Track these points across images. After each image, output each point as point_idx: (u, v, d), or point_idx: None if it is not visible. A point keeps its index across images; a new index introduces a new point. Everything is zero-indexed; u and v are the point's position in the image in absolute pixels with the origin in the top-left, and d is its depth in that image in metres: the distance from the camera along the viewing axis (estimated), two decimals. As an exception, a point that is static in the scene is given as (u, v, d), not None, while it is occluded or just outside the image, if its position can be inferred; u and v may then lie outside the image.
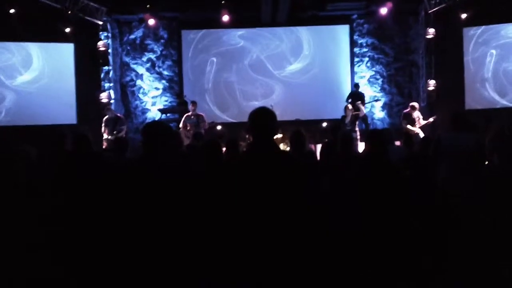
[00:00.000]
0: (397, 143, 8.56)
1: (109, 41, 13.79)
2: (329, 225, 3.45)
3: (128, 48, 14.55)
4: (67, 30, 12.29)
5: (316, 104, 13.87)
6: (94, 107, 12.87)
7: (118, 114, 11.77)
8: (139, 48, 14.51)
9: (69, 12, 11.99)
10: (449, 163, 4.98)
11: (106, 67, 13.63)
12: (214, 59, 14.43)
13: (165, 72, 14.58)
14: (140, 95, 14.57)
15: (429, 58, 13.30)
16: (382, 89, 14.49)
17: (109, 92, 13.61)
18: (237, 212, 2.75)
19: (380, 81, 14.51)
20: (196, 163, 4.59)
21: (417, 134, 10.59)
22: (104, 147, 10.61)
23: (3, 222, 3.03)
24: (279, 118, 3.00)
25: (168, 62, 14.59)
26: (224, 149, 5.72)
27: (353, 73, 14.42)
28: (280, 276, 2.68)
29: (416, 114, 11.05)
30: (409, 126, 10.84)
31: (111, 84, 13.83)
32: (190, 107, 11.70)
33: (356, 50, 14.54)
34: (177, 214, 3.05)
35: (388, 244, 3.49)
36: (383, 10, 13.20)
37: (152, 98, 14.55)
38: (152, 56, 14.53)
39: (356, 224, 3.61)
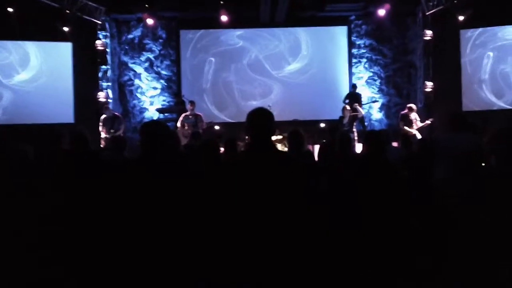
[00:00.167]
0: (395, 144, 8.58)
1: (108, 40, 13.77)
2: (327, 225, 3.46)
3: (127, 47, 14.54)
4: (66, 29, 12.27)
5: (314, 105, 13.89)
6: (92, 106, 12.86)
7: (116, 113, 11.76)
8: (138, 48, 14.50)
9: (68, 11, 11.96)
10: (447, 164, 4.98)
11: (104, 67, 13.61)
12: (213, 59, 14.44)
13: (164, 72, 14.58)
14: (138, 95, 14.56)
15: (427, 60, 13.32)
16: (380, 90, 14.52)
17: (107, 92, 13.59)
18: (235, 212, 2.76)
19: (378, 82, 14.53)
20: (194, 163, 4.60)
21: (414, 135, 10.61)
22: (102, 146, 10.62)
23: (1, 222, 3.03)
24: (277, 118, 3.01)
25: (167, 62, 14.59)
26: (222, 149, 5.74)
27: (351, 74, 14.45)
28: (279, 276, 2.69)
29: (414, 116, 11.07)
30: (406, 128, 10.86)
31: (109, 84, 13.81)
32: (188, 106, 11.71)
33: (354, 51, 14.57)
34: (174, 214, 3.05)
35: (386, 244, 3.50)
36: (381, 12, 13.23)
37: (150, 98, 14.55)
38: (151, 55, 14.52)
39: (354, 224, 3.62)
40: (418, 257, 3.42)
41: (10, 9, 11.64)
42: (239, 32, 14.36)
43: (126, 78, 14.55)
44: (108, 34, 13.82)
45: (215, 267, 2.80)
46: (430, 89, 13.02)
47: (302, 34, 14.50)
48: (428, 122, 11.06)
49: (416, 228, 3.54)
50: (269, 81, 14.42)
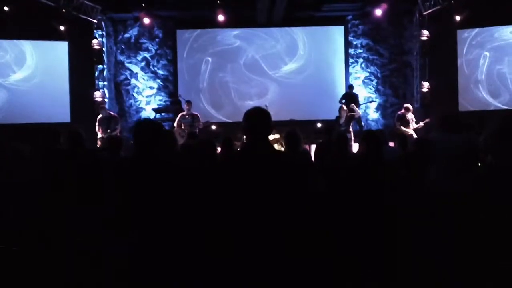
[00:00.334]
0: (391, 144, 8.58)
1: (104, 39, 13.76)
2: (324, 225, 3.45)
3: (123, 46, 14.52)
4: (62, 28, 12.26)
5: (311, 105, 13.89)
6: (88, 105, 12.84)
7: (112, 113, 11.73)
8: (134, 47, 14.48)
9: (64, 10, 11.93)
10: (440, 165, 4.99)
11: (100, 66, 13.60)
12: (209, 59, 14.43)
13: (160, 71, 14.56)
14: (135, 94, 14.54)
15: (423, 60, 13.35)
16: (377, 90, 14.54)
17: (103, 91, 13.58)
18: (231, 211, 2.75)
19: (374, 82, 14.55)
20: (191, 162, 4.59)
21: (411, 135, 10.62)
22: (98, 146, 10.59)
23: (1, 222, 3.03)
24: (273, 118, 3.00)
25: (163, 61, 14.57)
26: (219, 148, 5.72)
27: (347, 74, 14.46)
28: (274, 276, 2.68)
29: (410, 116, 11.09)
30: (402, 128, 10.87)
31: (105, 83, 13.80)
32: (185, 106, 11.70)
33: (351, 51, 14.58)
34: (171, 213, 3.04)
35: (384, 244, 3.50)
36: (378, 12, 13.26)
37: (147, 97, 14.53)
38: (147, 55, 14.50)
39: (352, 224, 3.61)
40: (416, 257, 3.42)
41: (6, 8, 11.61)
42: (236, 32, 14.35)
43: (122, 77, 14.53)
44: (104, 33, 13.80)
45: (211, 267, 2.79)
46: (426, 89, 13.05)
47: (299, 34, 14.50)
48: (421, 124, 11.05)
49: (412, 228, 3.54)
50: (266, 81, 14.42)
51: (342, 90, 13.92)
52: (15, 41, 12.73)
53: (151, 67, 14.52)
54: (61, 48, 12.99)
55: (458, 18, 12.27)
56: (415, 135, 10.68)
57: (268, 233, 2.70)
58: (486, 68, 13.09)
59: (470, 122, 7.92)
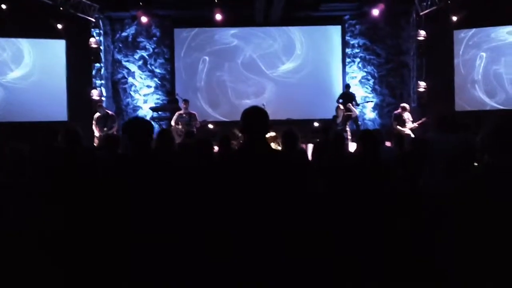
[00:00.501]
0: (388, 143, 8.59)
1: (101, 38, 13.74)
2: (321, 225, 3.46)
3: (120, 45, 14.50)
4: (59, 26, 12.25)
5: (308, 104, 13.91)
6: (86, 104, 12.82)
7: (109, 112, 11.71)
8: (131, 46, 14.47)
9: (61, 8, 11.91)
10: (437, 165, 5.01)
11: (97, 64, 13.58)
12: (207, 58, 14.43)
13: (157, 70, 14.55)
14: (132, 93, 14.53)
15: (420, 60, 13.38)
16: (374, 90, 14.56)
17: (101, 90, 13.57)
18: (229, 210, 2.76)
19: (371, 82, 14.57)
20: (188, 161, 4.60)
21: (408, 134, 10.64)
22: (95, 144, 10.58)
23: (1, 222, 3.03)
24: (271, 117, 3.02)
25: (160, 60, 14.57)
26: (216, 147, 5.74)
27: (344, 73, 14.49)
28: (272, 275, 2.70)
29: (407, 115, 11.10)
30: (399, 127, 10.89)
31: (103, 82, 13.78)
32: (182, 105, 11.70)
33: (348, 50, 14.60)
34: (169, 211, 3.05)
35: (382, 243, 3.52)
36: (375, 11, 13.28)
37: (144, 96, 14.52)
38: (144, 53, 14.49)
39: (349, 224, 3.63)
40: (413, 257, 3.43)
41: (3, 6, 11.59)
42: (233, 31, 14.36)
43: (119, 76, 14.52)
44: (102, 31, 13.78)
45: (209, 266, 2.80)
46: (423, 89, 13.08)
47: (296, 33, 14.52)
48: (415, 125, 11.06)
49: (409, 228, 3.56)
50: (263, 80, 14.43)
51: (339, 90, 13.95)
52: (12, 39, 12.71)
53: (148, 65, 14.51)
54: (58, 47, 12.98)
55: (454, 18, 12.30)
56: (412, 135, 10.70)
57: (265, 232, 2.71)
58: (482, 68, 13.13)
59: (467, 122, 7.94)
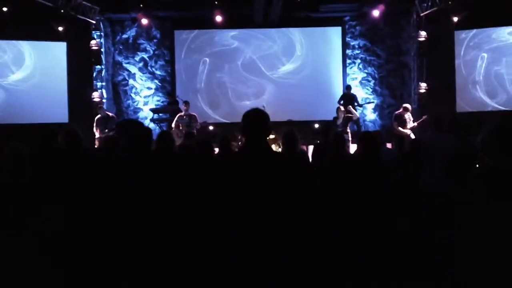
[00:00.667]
0: (388, 145, 8.58)
1: (102, 40, 13.77)
2: (322, 226, 3.46)
3: (121, 47, 14.52)
4: (60, 28, 12.25)
5: (308, 105, 13.91)
6: (86, 106, 12.85)
7: (110, 114, 11.72)
8: (132, 48, 14.48)
9: (62, 10, 11.92)
10: (432, 165, 5.00)
11: (98, 66, 13.61)
12: (207, 59, 14.44)
13: (158, 72, 14.57)
14: (132, 95, 14.54)
15: (421, 61, 13.38)
16: (374, 91, 14.55)
17: (101, 91, 13.59)
18: (229, 212, 2.76)
19: (372, 83, 14.57)
20: (188, 163, 4.60)
21: (408, 135, 10.62)
22: (96, 146, 10.59)
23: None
24: (271, 118, 3.01)
25: (161, 62, 14.58)
26: (216, 149, 5.74)
27: (345, 74, 14.48)
28: (272, 276, 2.69)
29: (407, 116, 11.08)
30: (400, 128, 10.87)
31: (103, 83, 13.81)
32: (182, 107, 11.70)
33: (348, 52, 14.60)
34: (169, 212, 3.06)
35: (382, 244, 3.52)
36: (375, 12, 13.28)
37: (144, 98, 14.53)
38: (145, 55, 14.51)
39: (349, 225, 3.63)
40: (412, 258, 3.43)
41: (4, 8, 11.60)
42: (233, 32, 14.37)
43: (120, 78, 14.53)
44: (102, 33, 13.82)
45: (209, 267, 2.80)
46: (424, 90, 13.09)
47: (296, 34, 14.52)
48: (415, 124, 11.04)
49: (408, 229, 3.56)
50: (263, 81, 14.44)
51: (339, 91, 13.95)
52: (13, 41, 12.72)
53: (149, 67, 14.53)
54: (59, 49, 12.99)
55: (455, 19, 12.29)
56: (412, 135, 10.69)
57: (265, 233, 2.71)
58: (483, 69, 13.12)
59: (467, 123, 7.93)
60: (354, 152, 6.50)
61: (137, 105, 14.53)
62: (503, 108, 12.79)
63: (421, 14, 12.94)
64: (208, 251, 2.79)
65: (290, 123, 11.81)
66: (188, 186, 3.25)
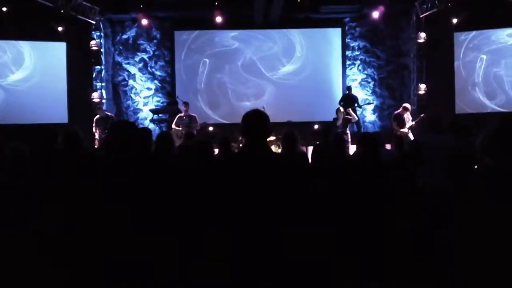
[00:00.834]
0: (388, 146, 8.59)
1: (102, 40, 13.77)
2: (321, 227, 3.47)
3: (121, 47, 14.52)
4: (60, 29, 12.25)
5: (308, 106, 13.92)
6: (86, 106, 12.85)
7: (109, 113, 11.71)
8: (132, 48, 14.48)
9: (62, 10, 11.92)
10: (429, 166, 5.00)
11: (98, 67, 13.62)
12: (207, 60, 14.45)
13: (158, 73, 14.57)
14: (132, 95, 14.55)
15: (420, 62, 13.40)
16: (374, 92, 14.57)
17: (101, 92, 13.59)
18: (228, 213, 2.76)
19: (371, 84, 14.58)
20: (188, 163, 4.60)
21: (407, 135, 10.63)
22: (96, 146, 10.59)
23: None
24: (271, 119, 3.01)
25: (161, 63, 14.58)
26: (216, 149, 5.74)
27: (345, 75, 14.49)
28: (272, 277, 2.70)
29: (407, 116, 11.08)
30: (399, 128, 10.87)
31: (103, 84, 13.81)
32: (182, 107, 11.70)
33: (348, 53, 14.61)
34: (169, 213, 3.06)
35: (382, 245, 3.52)
36: (375, 14, 13.29)
37: (144, 98, 14.54)
38: (145, 56, 14.51)
39: (349, 226, 3.63)
40: (411, 258, 3.44)
41: (4, 8, 11.60)
42: (233, 33, 14.38)
43: (120, 78, 14.54)
44: (102, 34, 13.82)
45: (208, 267, 2.80)
46: (423, 92, 13.10)
47: (296, 35, 14.53)
48: (413, 123, 11.04)
49: (408, 229, 3.56)
50: (263, 82, 14.45)
51: (339, 92, 13.97)
52: (13, 41, 12.72)
53: (148, 68, 14.53)
54: (59, 49, 13.00)
55: (455, 20, 12.31)
56: (411, 135, 10.71)
57: (265, 234, 2.71)
58: (483, 70, 13.15)
59: (467, 124, 7.93)
60: (354, 153, 6.51)
61: (137, 105, 14.53)
62: (502, 110, 12.82)
63: (421, 16, 12.95)
64: (207, 252, 2.79)
65: (290, 124, 11.81)
66: (188, 186, 3.25)
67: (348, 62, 14.58)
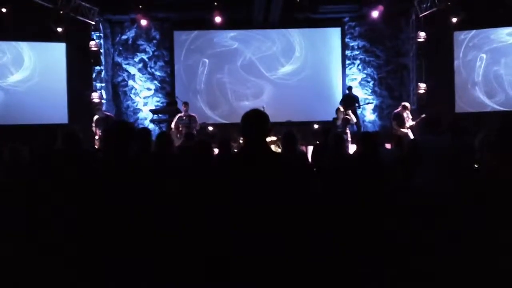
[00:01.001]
0: (388, 145, 8.59)
1: (101, 41, 13.76)
2: (321, 226, 3.47)
3: (120, 48, 14.53)
4: (59, 29, 12.24)
5: (308, 106, 13.92)
6: (86, 107, 12.83)
7: (109, 114, 11.72)
8: (131, 49, 14.49)
9: (61, 11, 11.91)
10: (425, 166, 5.01)
11: (98, 67, 13.61)
12: (207, 60, 14.45)
13: (157, 73, 14.57)
14: (132, 96, 14.55)
15: (420, 61, 13.39)
16: (373, 92, 14.56)
17: (101, 92, 13.59)
18: (229, 213, 2.76)
19: (371, 84, 14.58)
20: (188, 164, 4.60)
21: (407, 135, 10.63)
22: (96, 146, 10.59)
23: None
24: (270, 119, 3.01)
25: (160, 63, 14.58)
26: (216, 150, 5.74)
27: (344, 75, 14.50)
28: (272, 277, 2.70)
29: (406, 114, 11.09)
30: (398, 127, 10.87)
31: (103, 84, 13.80)
32: (182, 107, 11.70)
33: (348, 52, 14.61)
34: (169, 213, 3.06)
35: (381, 244, 3.52)
36: (375, 13, 13.28)
37: (144, 99, 14.54)
38: (144, 56, 14.51)
39: (348, 225, 3.63)
40: (411, 258, 3.44)
41: (3, 9, 11.59)
42: (232, 33, 14.38)
43: (119, 79, 14.54)
44: (101, 34, 13.80)
45: (208, 267, 2.80)
46: (423, 91, 13.10)
47: (296, 35, 14.53)
48: (413, 123, 11.04)
49: (408, 229, 3.56)
50: (263, 82, 14.45)
51: (338, 92, 13.98)
52: (12, 42, 12.73)
53: (148, 68, 14.53)
54: (58, 50, 13.00)
55: (454, 20, 12.29)
56: (411, 134, 10.71)
57: (265, 234, 2.71)
58: (482, 69, 13.16)
59: (464, 124, 7.94)
60: (354, 153, 6.51)
61: (136, 106, 14.53)
62: (502, 109, 12.83)
63: (420, 15, 12.95)
64: (207, 252, 2.79)
65: (289, 124, 11.82)
66: (188, 186, 3.25)
67: (347, 62, 14.58)
